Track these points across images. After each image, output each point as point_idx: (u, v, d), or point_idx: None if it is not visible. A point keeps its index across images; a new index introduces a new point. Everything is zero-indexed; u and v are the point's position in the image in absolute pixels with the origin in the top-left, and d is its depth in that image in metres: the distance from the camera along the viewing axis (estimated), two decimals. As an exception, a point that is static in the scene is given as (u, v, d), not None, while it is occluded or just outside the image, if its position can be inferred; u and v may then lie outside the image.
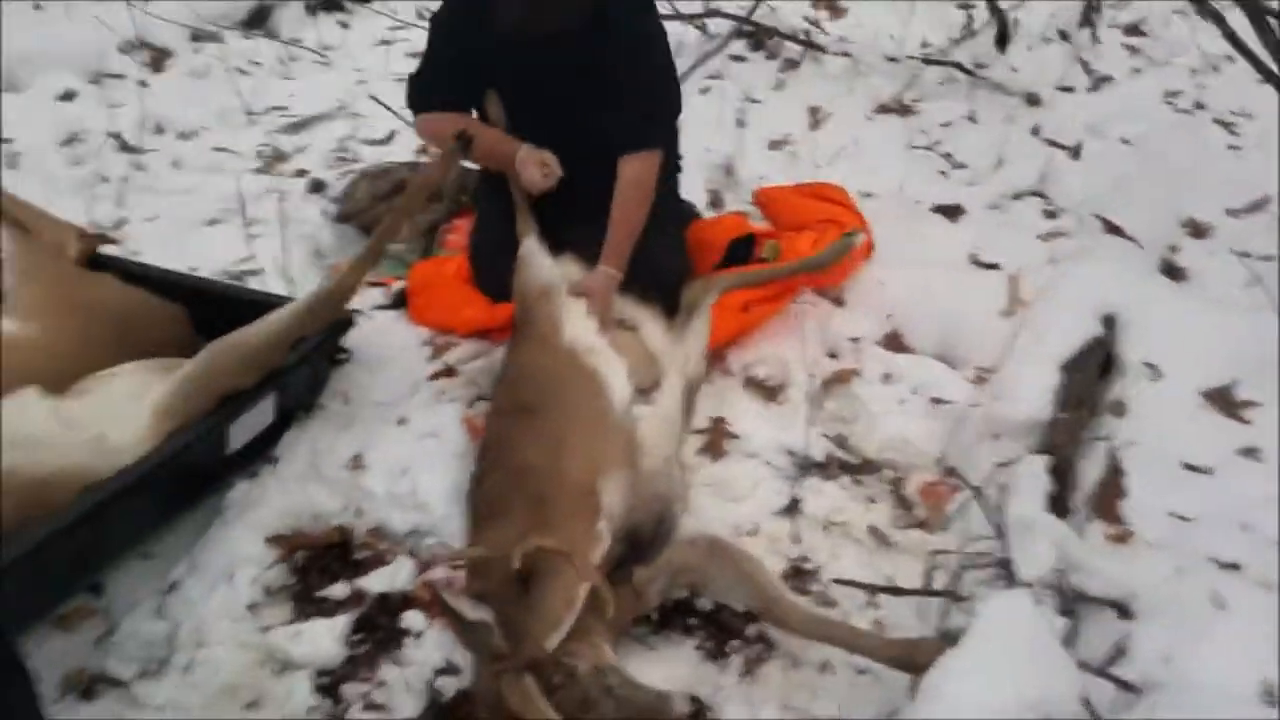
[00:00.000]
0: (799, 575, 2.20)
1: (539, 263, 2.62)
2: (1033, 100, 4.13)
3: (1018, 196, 3.57)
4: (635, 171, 2.63)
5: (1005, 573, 1.74)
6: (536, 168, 2.63)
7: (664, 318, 2.68)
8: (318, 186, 3.58)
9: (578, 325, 2.47)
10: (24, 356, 2.36)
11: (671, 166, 2.88)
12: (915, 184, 3.54)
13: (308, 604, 2.14)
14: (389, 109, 3.92)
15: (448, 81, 2.74)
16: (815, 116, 3.98)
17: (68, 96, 4.22)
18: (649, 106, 2.69)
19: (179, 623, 2.06)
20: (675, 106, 2.81)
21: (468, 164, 3.36)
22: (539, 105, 2.68)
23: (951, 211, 3.41)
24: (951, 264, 3.11)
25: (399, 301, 2.99)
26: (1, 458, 2.03)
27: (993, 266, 3.12)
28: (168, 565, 2.19)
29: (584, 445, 2.14)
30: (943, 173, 3.74)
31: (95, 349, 2.44)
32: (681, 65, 4.24)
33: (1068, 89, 4.28)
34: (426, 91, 2.80)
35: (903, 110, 4.08)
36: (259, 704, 1.93)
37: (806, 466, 2.46)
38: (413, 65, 4.57)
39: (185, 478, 2.26)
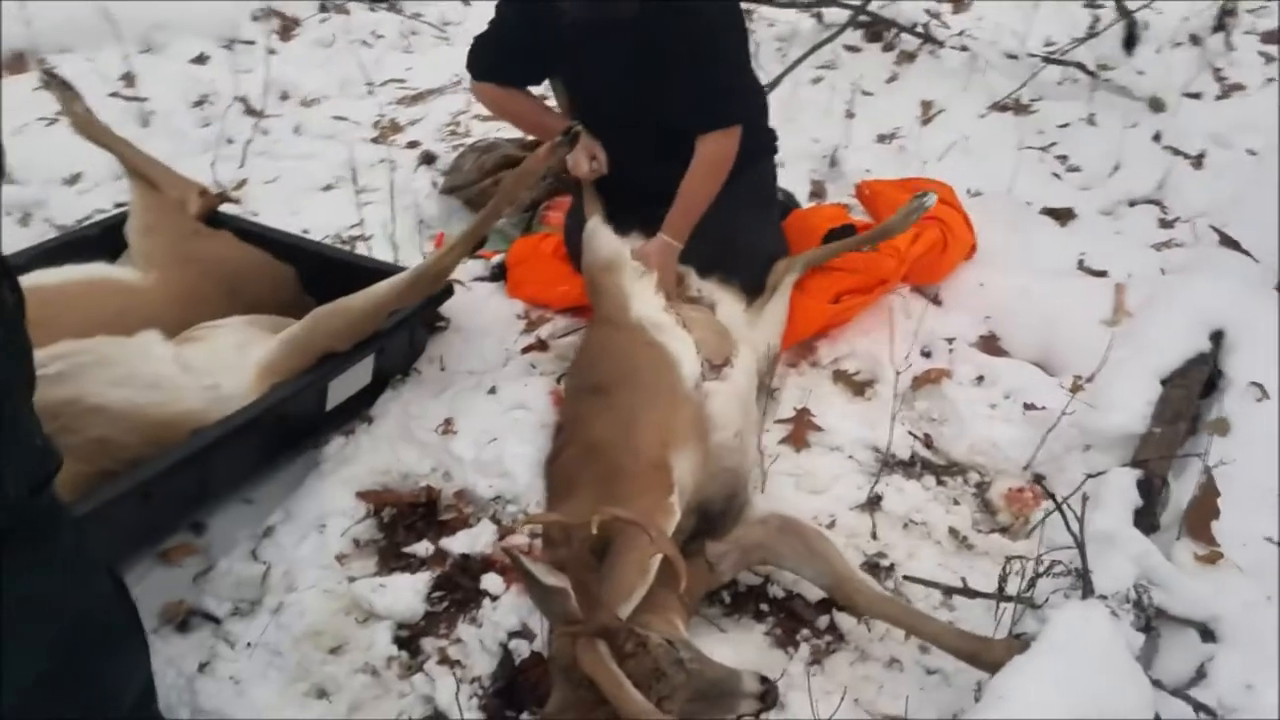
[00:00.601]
0: (874, 571, 2.20)
1: (603, 238, 2.65)
2: (1157, 105, 3.99)
3: (1133, 203, 3.48)
4: (711, 149, 2.62)
5: (1082, 583, 1.71)
6: (585, 156, 2.68)
7: (745, 297, 2.68)
8: (428, 159, 3.68)
9: (645, 302, 2.49)
10: (141, 303, 2.50)
11: (767, 149, 2.87)
12: (1026, 185, 3.46)
13: (393, 559, 2.22)
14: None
15: (510, 55, 2.76)
16: (927, 111, 3.93)
17: (200, 60, 4.43)
18: (724, 83, 2.66)
19: (271, 566, 2.16)
20: (752, 84, 2.77)
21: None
22: (600, 88, 2.69)
23: (1062, 215, 3.33)
24: (1057, 269, 3.05)
25: (497, 274, 3.06)
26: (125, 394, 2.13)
27: (1100, 274, 3.05)
28: (265, 511, 2.29)
29: (654, 420, 2.16)
30: (1056, 175, 3.65)
31: (208, 302, 2.58)
32: (793, 54, 4.24)
33: (1195, 95, 4.12)
34: (488, 60, 2.82)
35: (1018, 109, 3.99)
36: (342, 650, 2.01)
37: (890, 464, 2.44)
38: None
39: (286, 429, 2.36)
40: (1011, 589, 1.85)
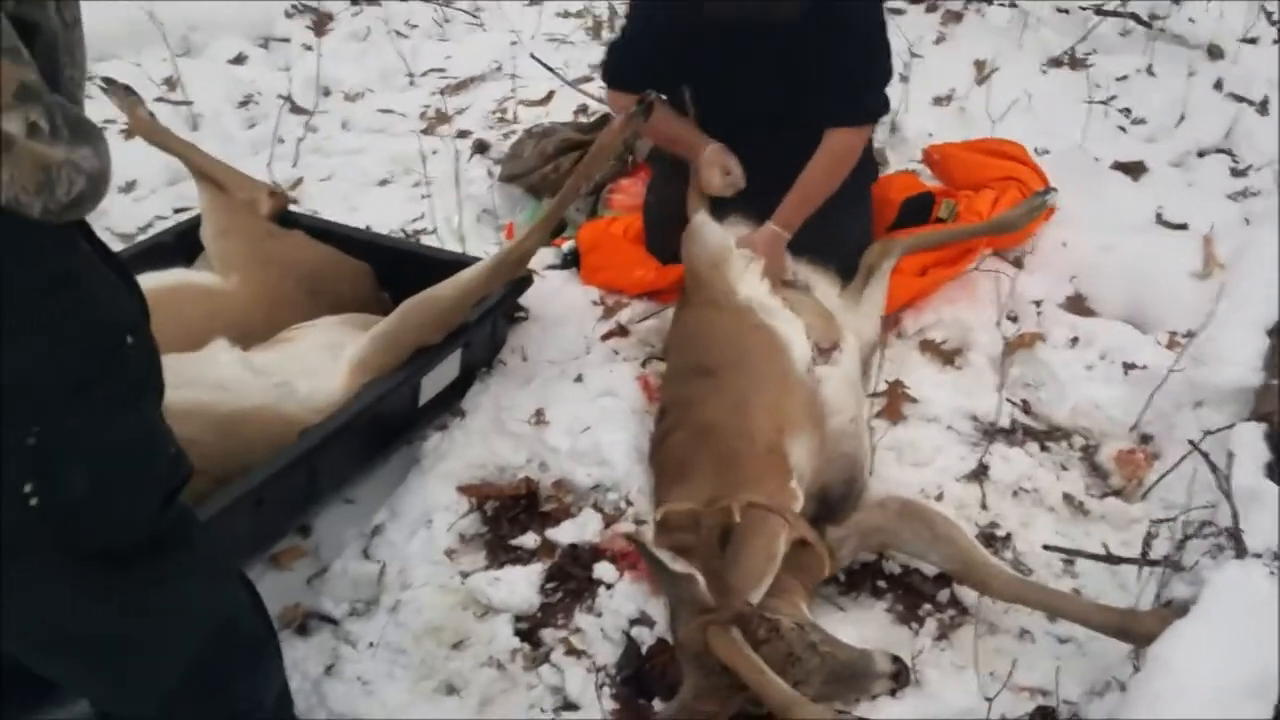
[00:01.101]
0: (990, 541, 2.16)
1: (709, 233, 2.57)
2: (1214, 53, 3.92)
3: (1202, 154, 3.42)
4: (838, 145, 2.55)
5: (1233, 543, 1.67)
6: (719, 171, 2.56)
7: (838, 281, 2.64)
8: (482, 147, 3.64)
9: (753, 286, 2.45)
10: (228, 308, 2.49)
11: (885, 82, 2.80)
12: (1093, 141, 3.40)
13: (502, 551, 2.20)
14: (549, 68, 3.94)
15: (647, 60, 2.67)
16: (982, 71, 3.85)
17: (239, 60, 4.39)
18: (876, 80, 2.60)
19: (384, 564, 2.14)
20: (888, 77, 2.69)
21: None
22: (736, 92, 2.60)
23: (1133, 169, 3.27)
24: (1136, 224, 3.00)
25: (570, 261, 3.03)
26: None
27: (1180, 227, 3.00)
28: (369, 510, 2.28)
29: (767, 404, 2.13)
30: (1122, 129, 3.59)
31: (288, 303, 2.56)
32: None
33: (1251, 41, 4.03)
34: (624, 66, 2.74)
35: (1075, 64, 3.92)
36: (464, 645, 2.00)
37: (992, 433, 2.40)
38: (564, 26, 4.69)
39: (382, 427, 2.34)
40: (1154, 552, 1.81)
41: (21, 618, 1.29)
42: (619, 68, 2.76)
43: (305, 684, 1.93)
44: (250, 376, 2.24)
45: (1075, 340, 2.60)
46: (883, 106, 2.67)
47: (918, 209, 2.87)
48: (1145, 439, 2.34)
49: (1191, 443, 1.82)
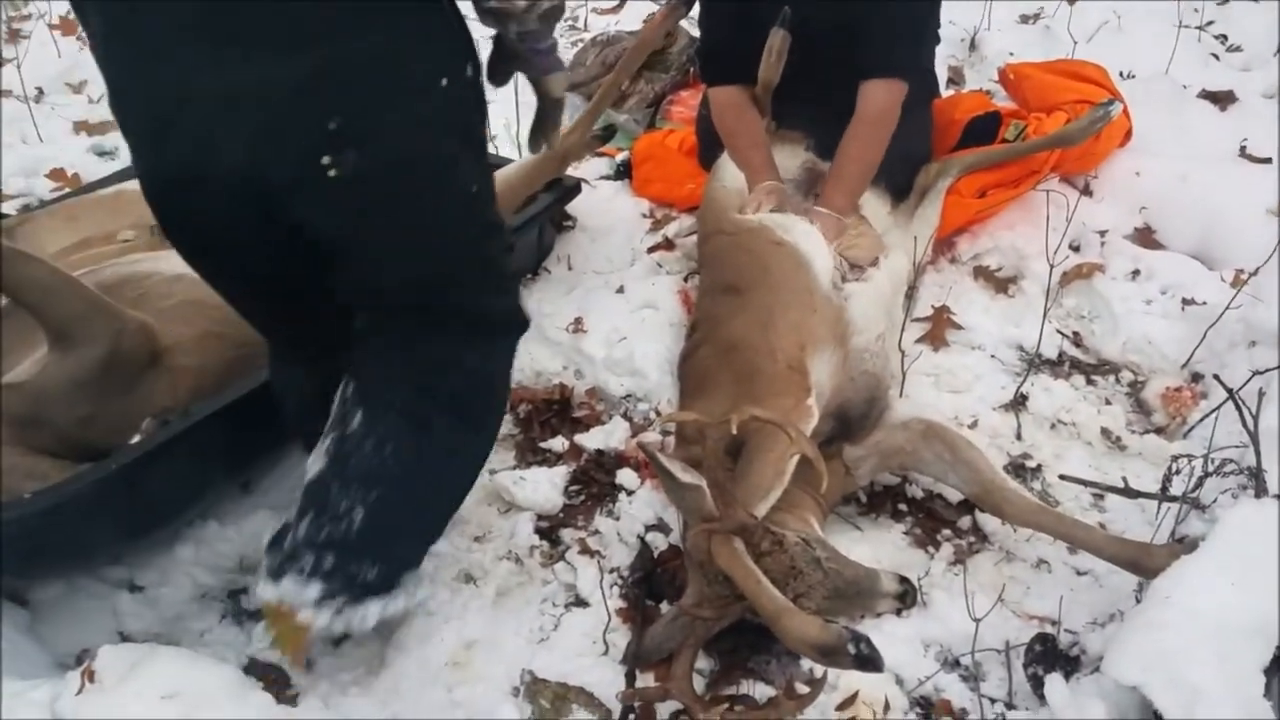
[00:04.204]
0: (1020, 472, 2.13)
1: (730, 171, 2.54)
2: (1329, -22, 3.64)
3: (1300, 86, 3.21)
4: (876, 101, 2.39)
5: (1254, 483, 1.61)
6: (767, 204, 2.38)
7: (890, 198, 2.57)
8: (549, 55, 3.61)
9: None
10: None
11: (933, 92, 2.73)
12: (1183, 67, 3.23)
13: (530, 453, 2.25)
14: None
15: (726, 47, 2.57)
16: (1072, -11, 3.66)
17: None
18: (900, 30, 2.45)
19: (415, 458, 2.20)
20: (924, 31, 2.55)
21: (696, 35, 3.32)
22: (799, 62, 2.47)
23: (1221, 99, 3.09)
24: (1217, 155, 2.85)
25: (622, 172, 3.02)
26: None
27: (1264, 160, 2.84)
28: (405, 406, 2.33)
29: (791, 321, 2.11)
30: (1214, 56, 3.40)
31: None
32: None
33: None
34: (711, 61, 2.66)
35: (1173, -15, 3.69)
36: (486, 538, 2.06)
37: (1037, 363, 2.34)
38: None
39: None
40: (1174, 490, 1.76)
41: None
42: (708, 65, 2.69)
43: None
44: None
45: (1136, 273, 2.50)
46: (914, 60, 2.53)
47: (983, 130, 2.76)
48: (1196, 378, 2.26)
49: (1224, 385, 1.74)
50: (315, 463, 1.65)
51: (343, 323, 1.63)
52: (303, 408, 1.82)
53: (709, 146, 2.79)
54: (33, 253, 1.92)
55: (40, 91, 3.59)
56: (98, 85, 3.62)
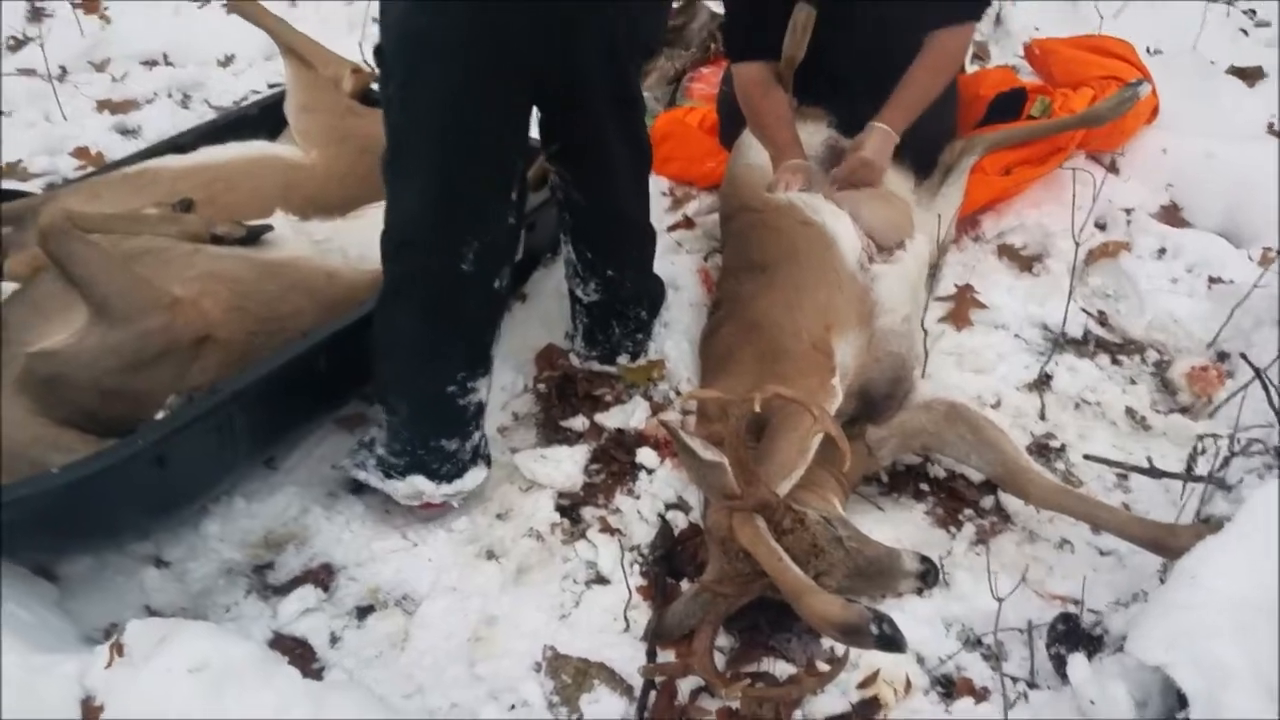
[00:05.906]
0: (1043, 452, 2.12)
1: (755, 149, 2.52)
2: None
3: (1333, 61, 3.15)
4: (948, 45, 2.40)
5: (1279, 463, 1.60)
6: (793, 184, 2.35)
7: (913, 175, 2.55)
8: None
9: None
10: (305, 179, 2.54)
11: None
12: (1211, 42, 3.18)
13: (551, 432, 2.25)
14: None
15: (751, 22, 2.54)
16: (1100, -37, 3.60)
17: (339, -65, 4.38)
18: None
19: (437, 436, 2.21)
20: None
21: (717, 12, 3.29)
22: (824, 38, 2.46)
23: (1250, 75, 3.06)
24: (1245, 133, 2.82)
25: (643, 149, 2.99)
26: None
27: (1294, 137, 2.80)
28: (429, 383, 2.33)
29: (817, 300, 2.10)
30: (1243, 31, 3.35)
31: (365, 179, 2.60)
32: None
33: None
34: (735, 37, 2.63)
35: (1203, -42, 3.63)
36: (508, 515, 2.07)
37: (1061, 342, 2.33)
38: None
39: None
40: (1200, 470, 1.74)
41: None
42: (732, 40, 2.66)
43: (356, 540, 2.03)
44: (291, 234, 2.28)
45: (1163, 251, 2.48)
46: (980, 8, 2.50)
47: (1008, 106, 2.73)
48: (1222, 356, 2.25)
49: (1251, 364, 1.73)
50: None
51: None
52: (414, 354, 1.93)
53: (730, 124, 2.77)
54: (83, 224, 1.95)
55: (64, 70, 3.60)
56: (120, 64, 3.66)
